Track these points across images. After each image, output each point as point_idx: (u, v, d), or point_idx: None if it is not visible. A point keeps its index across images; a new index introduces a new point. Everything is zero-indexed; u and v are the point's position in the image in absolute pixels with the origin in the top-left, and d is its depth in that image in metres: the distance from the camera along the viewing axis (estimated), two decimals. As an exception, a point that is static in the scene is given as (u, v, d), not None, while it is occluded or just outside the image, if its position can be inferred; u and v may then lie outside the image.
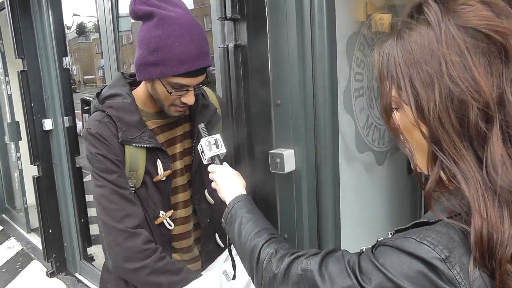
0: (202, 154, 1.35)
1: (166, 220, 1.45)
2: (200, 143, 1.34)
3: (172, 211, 1.47)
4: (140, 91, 1.43)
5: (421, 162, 0.76)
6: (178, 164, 1.49)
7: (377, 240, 0.77)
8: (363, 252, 0.78)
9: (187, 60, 1.24)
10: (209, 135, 1.34)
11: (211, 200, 1.54)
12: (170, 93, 1.29)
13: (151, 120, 1.43)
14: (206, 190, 1.54)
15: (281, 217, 1.63)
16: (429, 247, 0.66)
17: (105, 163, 1.32)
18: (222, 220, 1.21)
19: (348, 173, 1.90)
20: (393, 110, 0.76)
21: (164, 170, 1.41)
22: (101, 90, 1.44)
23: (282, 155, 1.51)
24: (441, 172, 0.69)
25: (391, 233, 0.80)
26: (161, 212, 1.44)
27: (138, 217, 1.34)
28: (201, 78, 1.32)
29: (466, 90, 0.64)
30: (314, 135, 1.56)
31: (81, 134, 2.20)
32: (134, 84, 1.47)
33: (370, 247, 0.78)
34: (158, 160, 1.40)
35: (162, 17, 1.24)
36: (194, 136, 1.49)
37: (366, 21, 1.96)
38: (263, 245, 1.02)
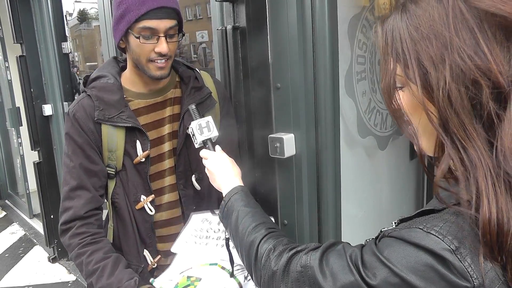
0: (193, 138, 1.30)
1: (147, 204, 1.43)
2: (190, 125, 1.30)
3: (153, 196, 1.44)
4: (127, 71, 1.43)
5: (426, 145, 0.71)
6: (166, 146, 1.45)
7: (381, 231, 0.73)
8: (365, 244, 0.74)
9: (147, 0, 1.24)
10: (200, 117, 1.30)
11: (197, 187, 1.49)
12: (138, 37, 1.26)
13: (137, 100, 1.41)
14: (193, 176, 1.49)
15: (281, 202, 1.61)
16: (438, 237, 0.62)
17: (70, 145, 1.38)
18: (219, 213, 1.17)
19: (349, 157, 1.88)
20: (397, 89, 0.71)
21: (143, 151, 1.39)
22: (91, 73, 1.47)
23: (282, 139, 1.48)
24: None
25: (395, 223, 0.75)
26: (142, 196, 1.43)
27: (74, 210, 1.36)
28: (169, 22, 1.27)
29: (476, 68, 0.59)
30: (314, 119, 1.53)
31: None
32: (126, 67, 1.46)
33: (373, 238, 0.74)
34: (137, 141, 1.39)
35: None
36: (180, 118, 1.45)
37: (369, 3, 1.91)
38: (260, 240, 0.97)
